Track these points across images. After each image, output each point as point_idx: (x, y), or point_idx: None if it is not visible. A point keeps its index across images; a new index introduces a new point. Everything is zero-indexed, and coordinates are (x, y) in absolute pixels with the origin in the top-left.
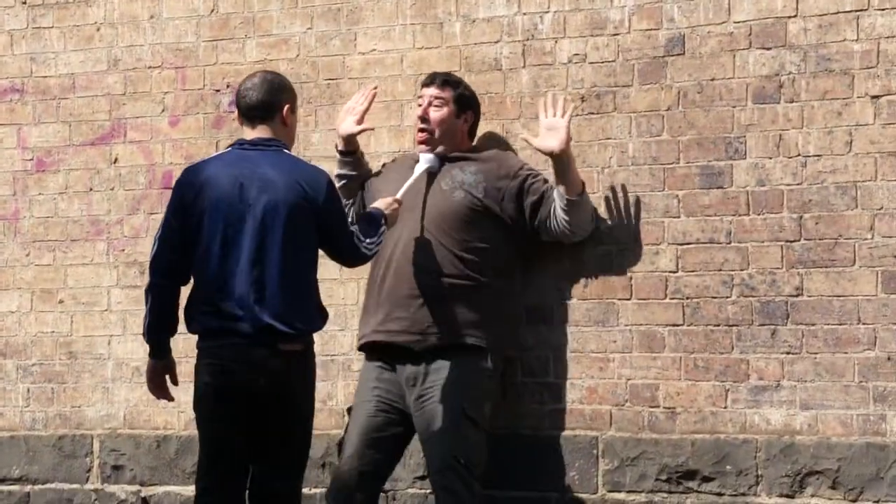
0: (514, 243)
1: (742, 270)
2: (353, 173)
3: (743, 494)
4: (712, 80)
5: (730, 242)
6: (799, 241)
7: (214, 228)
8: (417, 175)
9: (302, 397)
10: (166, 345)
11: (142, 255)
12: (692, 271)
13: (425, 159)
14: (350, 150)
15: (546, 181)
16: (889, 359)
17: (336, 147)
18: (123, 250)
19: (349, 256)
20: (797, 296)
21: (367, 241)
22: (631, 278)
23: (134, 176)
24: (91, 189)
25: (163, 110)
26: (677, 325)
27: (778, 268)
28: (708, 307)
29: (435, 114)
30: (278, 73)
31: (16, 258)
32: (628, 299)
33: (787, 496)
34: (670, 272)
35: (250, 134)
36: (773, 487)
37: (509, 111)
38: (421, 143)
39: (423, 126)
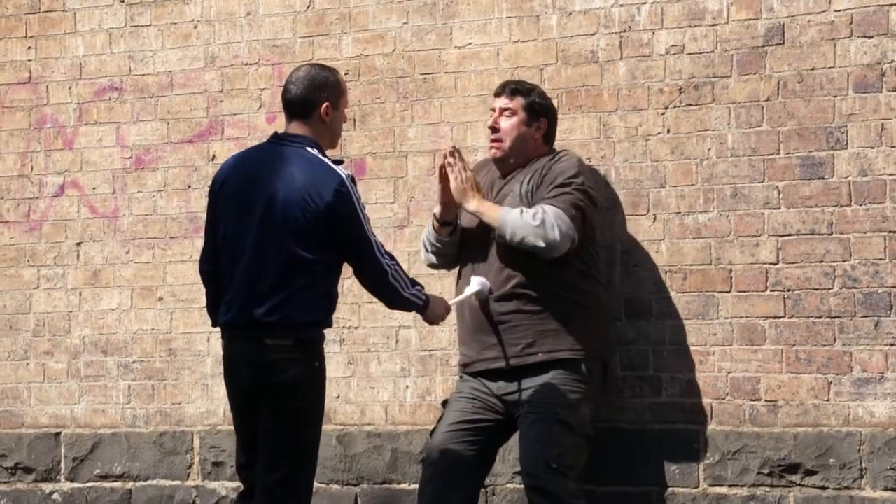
0: (590, 245)
1: (844, 262)
2: (445, 241)
3: (847, 488)
4: (812, 69)
5: (831, 233)
6: None
7: (226, 222)
8: (465, 296)
9: (295, 393)
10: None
11: None
12: (793, 263)
13: (477, 282)
14: (446, 221)
15: (545, 201)
16: None
17: (434, 214)
18: None
19: (367, 267)
20: None
21: (395, 265)
22: (731, 270)
23: None
24: (189, 186)
25: (260, 107)
26: (778, 318)
27: (881, 258)
28: (809, 299)
29: (505, 123)
30: (327, 67)
31: (115, 256)
32: (728, 292)
33: (893, 489)
34: (771, 264)
35: (286, 128)
36: (877, 481)
37: (606, 104)
38: (492, 152)
39: (494, 136)
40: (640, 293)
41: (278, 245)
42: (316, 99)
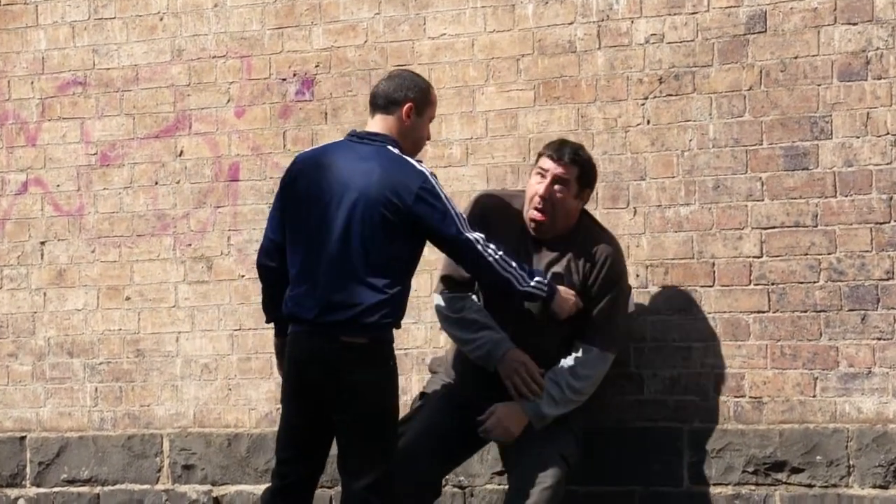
0: None
1: (829, 254)
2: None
3: (834, 486)
4: (796, 57)
5: (816, 226)
6: (889, 222)
7: (302, 216)
8: None
9: (375, 395)
10: (278, 324)
11: (209, 250)
12: (777, 256)
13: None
14: None
15: (598, 337)
16: None
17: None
18: (190, 245)
19: (466, 259)
20: (888, 279)
21: (501, 256)
22: (713, 264)
23: (200, 169)
24: (156, 183)
25: (228, 101)
26: (762, 312)
27: (867, 251)
28: (794, 293)
29: (558, 195)
30: (422, 77)
31: (81, 255)
32: (711, 286)
33: (881, 487)
34: (754, 257)
35: (367, 125)
36: (865, 478)
37: (584, 95)
38: (533, 217)
39: (540, 206)
40: None
41: (361, 244)
42: (401, 97)
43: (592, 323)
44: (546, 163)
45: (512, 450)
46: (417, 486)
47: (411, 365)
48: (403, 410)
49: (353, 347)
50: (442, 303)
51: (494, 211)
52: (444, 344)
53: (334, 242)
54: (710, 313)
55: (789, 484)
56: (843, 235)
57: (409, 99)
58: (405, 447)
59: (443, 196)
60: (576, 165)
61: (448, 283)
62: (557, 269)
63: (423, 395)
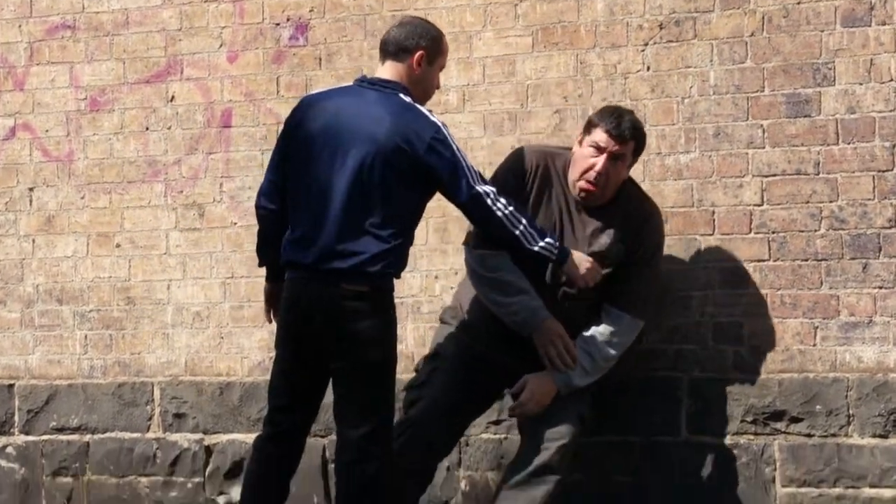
0: None
1: (831, 202)
2: None
3: (833, 435)
4: (799, 3)
5: (818, 173)
6: (891, 170)
7: (307, 160)
8: None
9: (374, 344)
10: (271, 269)
11: (200, 197)
12: (778, 204)
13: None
14: None
15: (631, 305)
16: None
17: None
18: (182, 192)
19: (475, 213)
20: (890, 228)
21: (512, 212)
22: (713, 213)
23: (191, 115)
24: (147, 129)
25: (220, 46)
26: (763, 261)
27: (869, 199)
28: (795, 241)
29: (612, 171)
30: (434, 25)
31: (70, 201)
32: (711, 234)
33: (881, 436)
34: (755, 205)
35: (377, 71)
36: (865, 428)
37: (584, 41)
38: (587, 191)
39: (594, 181)
40: None
41: (368, 191)
42: (413, 45)
43: (629, 289)
44: (602, 137)
45: None
46: (428, 455)
47: (406, 314)
48: (401, 361)
49: (354, 295)
50: (474, 259)
51: (536, 169)
52: (439, 293)
53: (340, 189)
54: (709, 262)
55: (788, 433)
56: (845, 183)
57: (421, 47)
58: (419, 417)
59: (454, 147)
60: (633, 140)
61: (482, 239)
62: (604, 237)
63: (435, 355)
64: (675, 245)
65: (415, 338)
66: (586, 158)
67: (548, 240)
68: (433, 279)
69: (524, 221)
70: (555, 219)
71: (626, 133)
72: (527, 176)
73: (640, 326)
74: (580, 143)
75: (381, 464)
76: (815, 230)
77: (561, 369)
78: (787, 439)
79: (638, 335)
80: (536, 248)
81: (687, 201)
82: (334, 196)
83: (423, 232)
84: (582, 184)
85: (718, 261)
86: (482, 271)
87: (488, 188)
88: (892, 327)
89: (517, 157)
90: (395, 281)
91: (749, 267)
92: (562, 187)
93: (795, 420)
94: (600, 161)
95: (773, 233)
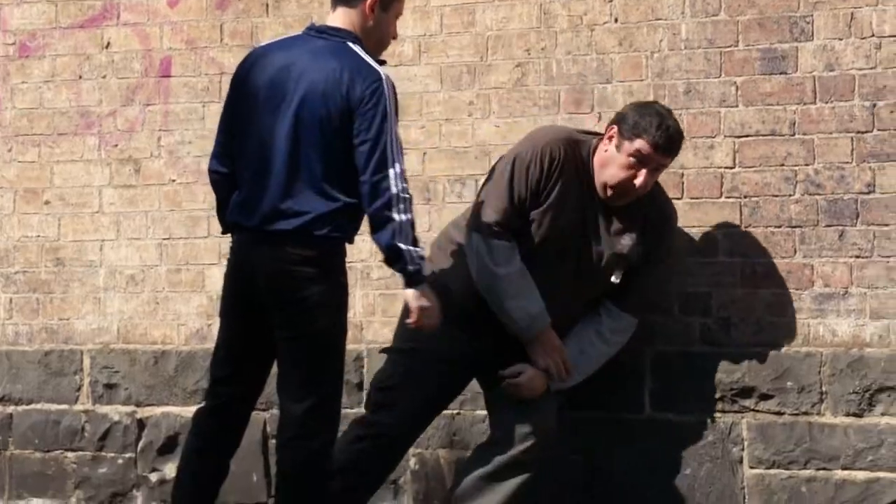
0: None
1: (807, 165)
2: None
3: (805, 413)
4: None
5: (793, 134)
6: (871, 131)
7: (250, 116)
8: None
9: (320, 312)
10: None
11: (137, 151)
12: (751, 167)
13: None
14: None
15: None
16: None
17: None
18: (117, 146)
19: (370, 193)
20: (868, 193)
21: (407, 203)
22: (682, 175)
23: (128, 63)
24: (80, 77)
25: None
26: (733, 227)
27: (847, 162)
28: (768, 206)
29: (651, 181)
30: None
31: None
32: (679, 198)
33: (855, 415)
34: (726, 168)
35: (327, 19)
36: (839, 406)
37: None
38: (614, 196)
39: (624, 189)
40: None
41: (312, 146)
42: None
43: (634, 290)
44: (647, 149)
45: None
46: (392, 464)
47: (355, 280)
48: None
49: (301, 260)
50: (486, 249)
51: (560, 164)
52: None
53: (281, 144)
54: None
55: (757, 411)
56: (822, 145)
57: None
58: (388, 430)
59: (389, 105)
60: (678, 150)
61: (501, 227)
62: (626, 238)
63: (412, 351)
64: None
65: (364, 306)
66: (625, 168)
67: (420, 252)
68: None
69: (410, 217)
70: (577, 216)
71: (675, 147)
72: (550, 170)
73: (635, 325)
74: (615, 143)
75: (324, 441)
76: (790, 195)
77: (554, 380)
78: (756, 417)
79: None
80: (401, 247)
81: None
82: (276, 152)
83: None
84: (617, 191)
85: (687, 226)
86: (491, 264)
87: (402, 169)
88: (868, 299)
89: (540, 150)
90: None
91: (719, 233)
92: (584, 181)
93: (765, 397)
94: (643, 175)
95: (745, 197)
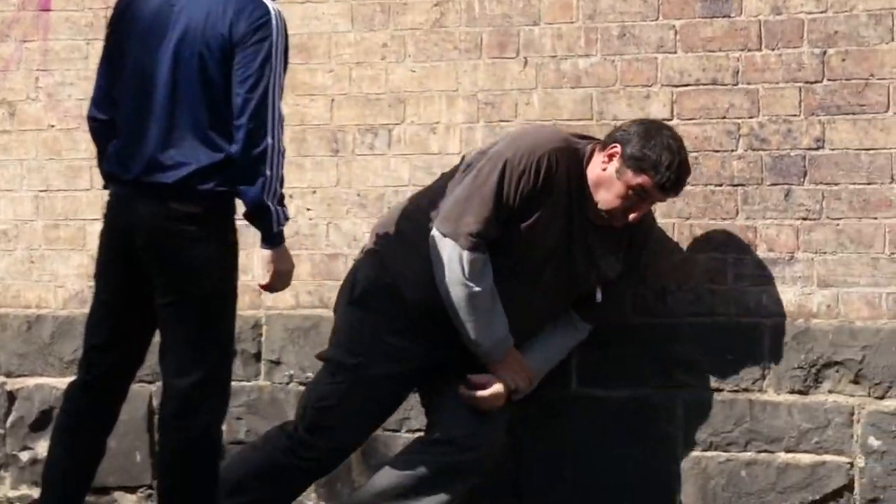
0: None
1: (751, 118)
2: None
3: (746, 391)
4: None
5: (737, 84)
6: (821, 81)
7: (128, 56)
8: None
9: (206, 275)
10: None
11: (11, 93)
12: (690, 119)
13: None
14: None
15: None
16: None
17: None
18: None
19: (243, 128)
20: (817, 149)
21: (279, 156)
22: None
23: None
24: None
25: None
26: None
27: (794, 115)
28: (708, 163)
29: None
30: None
31: None
32: None
33: (800, 392)
34: (664, 120)
35: None
36: (782, 382)
37: None
38: (597, 219)
39: (616, 219)
40: None
41: (194, 89)
42: None
43: (601, 304)
44: (651, 187)
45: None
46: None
47: (253, 239)
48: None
49: (184, 217)
50: (459, 260)
51: (556, 172)
52: (293, 215)
53: (162, 88)
54: None
55: (693, 387)
56: (768, 96)
57: None
58: (327, 455)
59: (273, 47)
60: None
61: (480, 239)
62: (612, 258)
63: (355, 366)
64: None
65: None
66: (621, 198)
67: (286, 212)
68: (288, 198)
69: (281, 172)
70: (563, 231)
71: (682, 188)
72: (543, 182)
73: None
74: (615, 166)
75: (213, 418)
76: (732, 150)
77: (519, 394)
78: (693, 394)
79: None
80: (269, 205)
81: (585, 113)
82: (155, 97)
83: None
84: (609, 219)
85: None
86: (463, 278)
87: (281, 115)
88: (816, 265)
89: (536, 159)
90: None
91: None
92: (574, 194)
93: (702, 372)
94: (642, 209)
95: None
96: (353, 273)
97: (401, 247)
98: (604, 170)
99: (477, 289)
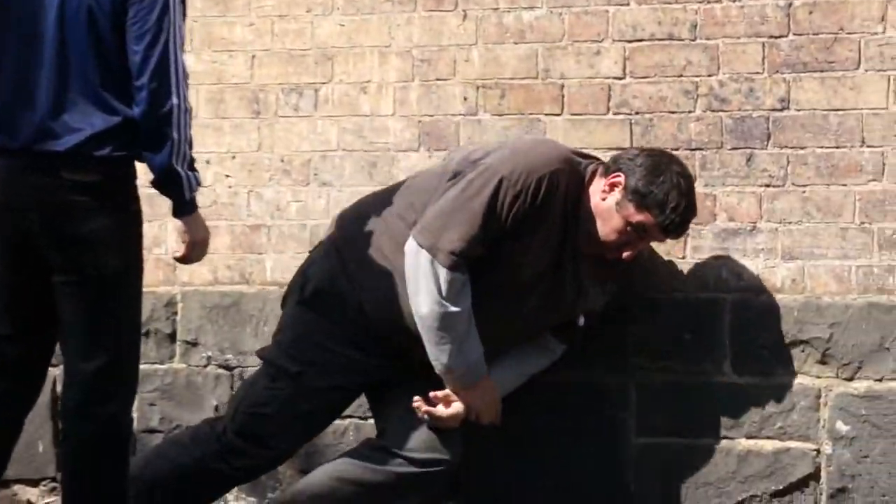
0: None
1: (710, 76)
2: None
3: (703, 373)
4: None
5: (694, 39)
6: (786, 36)
7: (11, 11)
8: None
9: (107, 250)
10: None
11: None
12: (643, 77)
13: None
14: None
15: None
16: None
17: None
18: None
19: (145, 89)
20: (782, 109)
21: (186, 116)
22: (563, 87)
23: None
24: None
25: None
26: (623, 149)
27: (758, 73)
28: (664, 125)
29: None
30: None
31: None
32: (559, 114)
33: (763, 374)
34: (615, 78)
35: None
36: (743, 363)
37: None
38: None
39: (612, 254)
40: (441, 115)
41: (83, 47)
42: None
43: (582, 328)
44: (653, 227)
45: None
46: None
47: (166, 209)
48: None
49: (79, 187)
50: (436, 277)
51: (554, 194)
52: (211, 182)
53: (49, 47)
54: None
55: (647, 369)
56: (729, 52)
57: None
58: (262, 463)
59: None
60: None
61: (462, 258)
62: (598, 291)
63: (298, 373)
64: (514, 127)
65: (175, 239)
66: (618, 233)
67: (198, 176)
68: (204, 164)
69: (189, 134)
70: (553, 257)
71: (685, 231)
72: (540, 205)
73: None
74: (615, 198)
75: (121, 406)
76: (689, 111)
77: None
78: (648, 377)
79: None
80: (179, 170)
81: (530, 71)
82: (42, 57)
83: (193, 104)
84: (599, 250)
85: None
86: (439, 296)
87: (184, 70)
88: (780, 236)
89: (535, 180)
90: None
91: (605, 156)
92: (570, 218)
93: (657, 353)
94: (638, 247)
95: (637, 114)
96: (305, 267)
97: (367, 249)
98: (603, 199)
99: (453, 309)
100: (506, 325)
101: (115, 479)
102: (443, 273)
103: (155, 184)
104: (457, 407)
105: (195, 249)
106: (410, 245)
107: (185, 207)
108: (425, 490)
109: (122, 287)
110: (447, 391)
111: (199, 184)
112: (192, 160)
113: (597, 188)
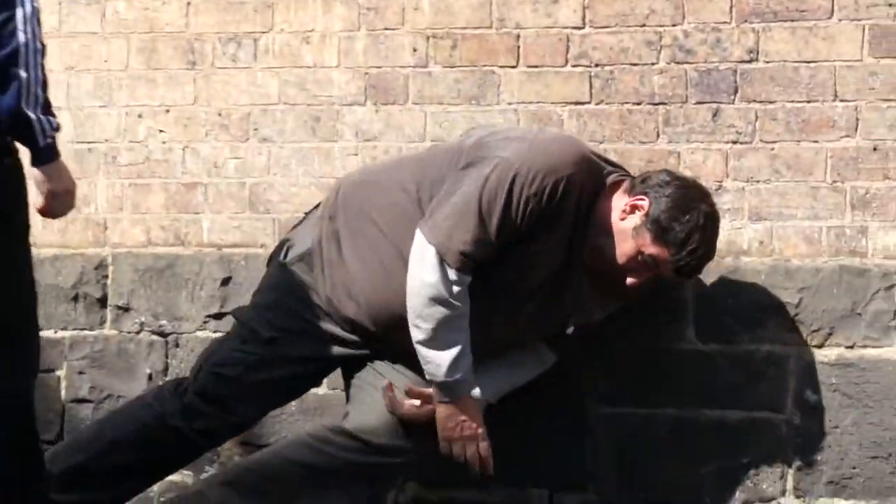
0: None
1: (674, 26)
2: None
3: (668, 339)
4: None
5: None
6: None
7: None
8: None
9: None
10: None
11: None
12: (604, 27)
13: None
14: None
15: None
16: (876, 149)
17: None
18: None
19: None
20: (750, 61)
21: (39, 57)
22: (518, 37)
23: None
24: None
25: None
26: (582, 104)
27: (725, 22)
28: (625, 78)
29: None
30: None
31: None
32: (514, 67)
33: (728, 341)
34: (574, 28)
35: None
36: (708, 330)
37: None
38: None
39: (611, 272)
40: (389, 67)
41: None
42: None
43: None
44: (666, 264)
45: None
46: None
47: (97, 165)
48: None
49: None
50: (450, 281)
51: (570, 196)
52: (143, 137)
53: None
54: (510, 104)
55: (607, 337)
56: (694, 1)
57: None
58: (226, 427)
59: None
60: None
61: (470, 260)
62: (597, 309)
63: (271, 339)
64: (465, 80)
65: (109, 199)
66: (628, 258)
67: (54, 121)
68: (136, 118)
69: (42, 74)
70: (557, 268)
71: (695, 276)
72: (555, 208)
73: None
74: (634, 221)
75: (21, 383)
76: (652, 63)
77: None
78: (607, 345)
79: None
80: (29, 114)
81: (483, 20)
82: None
83: (123, 54)
84: (609, 269)
85: (523, 102)
86: (444, 294)
87: (29, 9)
88: (747, 195)
89: (552, 182)
90: (84, 119)
91: (563, 111)
92: (580, 226)
93: (617, 320)
94: (644, 277)
95: (597, 66)
96: (294, 229)
97: (369, 230)
98: (622, 219)
99: (457, 306)
100: (495, 331)
101: (20, 461)
102: (451, 273)
103: (4, 129)
104: (424, 412)
105: (56, 201)
106: (420, 236)
107: (41, 155)
108: (378, 483)
109: (4, 251)
110: (429, 391)
111: (55, 129)
112: (48, 103)
113: (618, 204)
